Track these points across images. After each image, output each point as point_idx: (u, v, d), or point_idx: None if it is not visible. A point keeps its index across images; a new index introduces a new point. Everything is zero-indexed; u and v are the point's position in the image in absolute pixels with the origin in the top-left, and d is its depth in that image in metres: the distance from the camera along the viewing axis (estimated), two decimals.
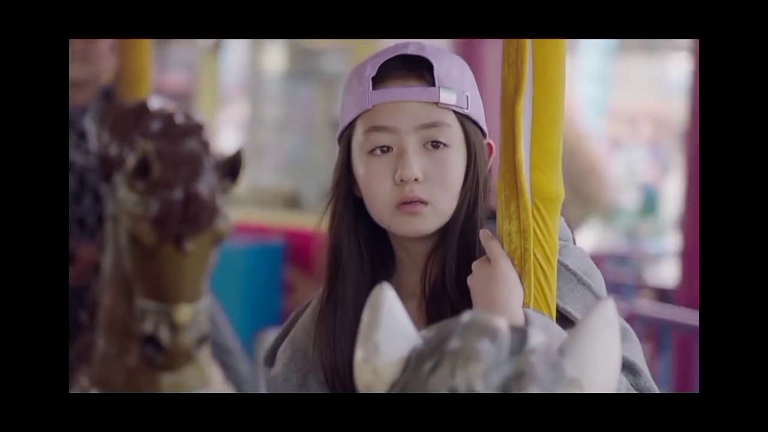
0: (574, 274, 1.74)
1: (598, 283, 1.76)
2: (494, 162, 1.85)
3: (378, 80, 1.79)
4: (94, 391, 3.25)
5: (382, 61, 1.80)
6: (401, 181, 1.75)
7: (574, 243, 1.83)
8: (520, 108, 1.69)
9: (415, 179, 1.75)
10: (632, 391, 1.69)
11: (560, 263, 1.73)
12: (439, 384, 1.32)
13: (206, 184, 3.06)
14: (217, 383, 3.34)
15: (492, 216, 1.80)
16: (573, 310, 1.72)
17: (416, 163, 1.76)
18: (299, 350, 1.86)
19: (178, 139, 3.09)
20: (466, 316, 1.37)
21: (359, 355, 1.38)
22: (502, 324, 1.36)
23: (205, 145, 3.11)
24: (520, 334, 1.36)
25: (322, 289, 1.84)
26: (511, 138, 1.70)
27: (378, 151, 1.77)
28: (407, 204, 1.76)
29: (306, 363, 1.84)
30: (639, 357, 1.72)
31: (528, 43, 1.69)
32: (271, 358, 1.90)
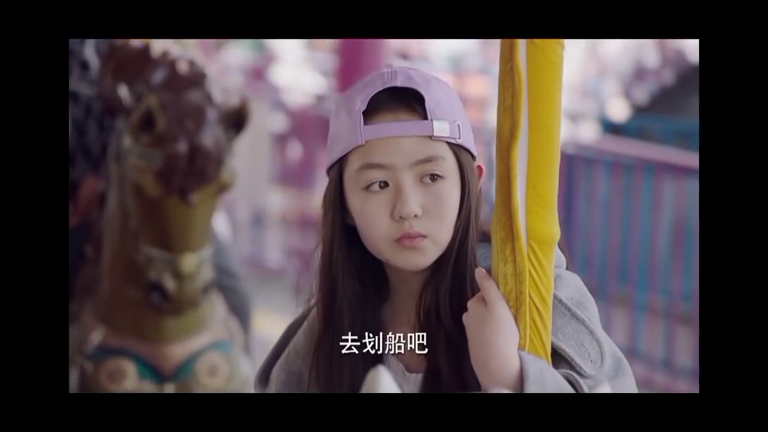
0: (568, 309, 1.76)
1: (592, 314, 1.79)
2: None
3: (368, 114, 1.79)
4: (99, 328, 3.31)
5: (371, 95, 1.79)
6: (400, 217, 1.77)
7: (568, 268, 1.85)
8: (516, 152, 1.70)
9: (415, 215, 1.77)
10: None
11: (554, 297, 1.75)
12: None
13: (211, 136, 3.08)
14: (220, 320, 3.40)
15: (484, 239, 1.83)
16: (566, 347, 1.75)
17: (414, 199, 1.77)
18: (293, 374, 1.89)
19: (182, 91, 3.10)
20: None
21: None
22: None
23: (208, 96, 3.12)
24: None
25: (318, 318, 1.86)
26: (507, 182, 1.71)
27: (374, 187, 1.79)
28: (407, 239, 1.77)
29: (300, 387, 1.88)
30: (632, 391, 1.76)
31: (524, 88, 1.69)
32: (264, 377, 1.93)
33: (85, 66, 3.58)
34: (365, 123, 1.78)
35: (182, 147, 3.04)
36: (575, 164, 6.49)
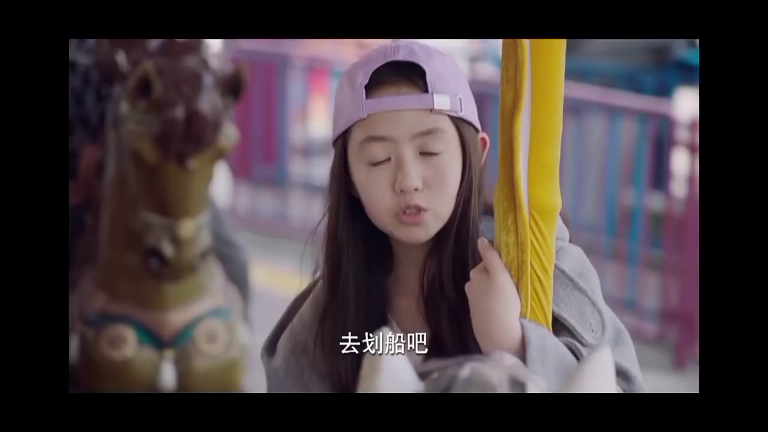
0: (571, 280, 1.78)
1: (594, 285, 1.81)
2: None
3: (370, 87, 1.80)
4: (99, 294, 3.31)
5: (373, 69, 1.80)
6: (401, 191, 1.78)
7: (570, 240, 1.87)
8: (518, 123, 1.71)
9: (415, 189, 1.78)
10: None
11: (557, 267, 1.77)
12: None
13: (207, 101, 3.07)
14: (219, 287, 3.41)
15: (488, 211, 1.84)
16: (568, 316, 1.76)
17: (415, 173, 1.78)
18: (299, 343, 1.91)
19: (179, 57, 3.10)
20: (466, 371, 1.41)
21: None
22: (500, 378, 1.41)
23: (205, 62, 3.11)
24: (519, 387, 1.41)
25: (324, 289, 1.88)
26: (510, 152, 1.72)
27: (377, 160, 1.80)
28: (408, 215, 1.79)
29: (306, 356, 1.89)
30: (632, 361, 1.78)
31: (527, 59, 1.70)
32: (271, 348, 1.95)
33: None
34: (367, 97, 1.80)
35: (179, 112, 3.04)
36: (481, 102, 6.53)
